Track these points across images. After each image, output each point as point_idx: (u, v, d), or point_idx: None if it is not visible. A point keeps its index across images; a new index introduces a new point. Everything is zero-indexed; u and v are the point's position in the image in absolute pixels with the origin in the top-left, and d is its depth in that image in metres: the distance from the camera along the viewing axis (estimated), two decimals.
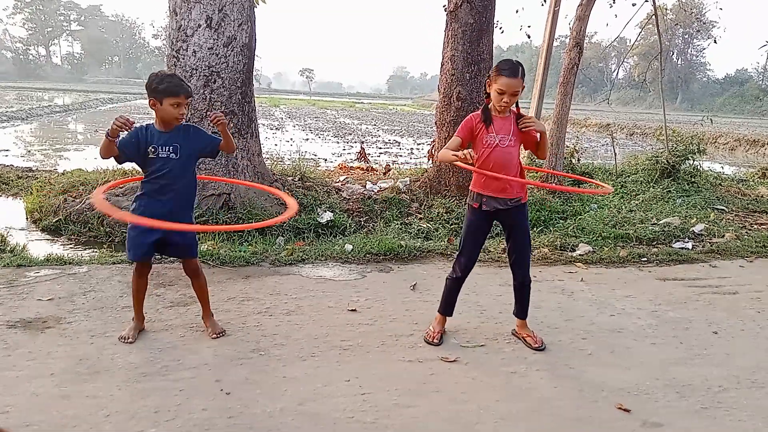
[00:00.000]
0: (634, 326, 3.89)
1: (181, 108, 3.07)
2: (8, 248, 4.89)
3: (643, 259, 5.46)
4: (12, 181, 8.02)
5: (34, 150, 13.09)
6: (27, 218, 6.26)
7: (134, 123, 2.97)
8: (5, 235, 5.25)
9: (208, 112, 5.83)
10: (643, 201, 7.65)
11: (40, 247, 5.28)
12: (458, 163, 3.05)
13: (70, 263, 4.55)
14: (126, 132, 2.97)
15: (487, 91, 3.20)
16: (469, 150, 2.99)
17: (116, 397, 2.68)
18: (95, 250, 5.29)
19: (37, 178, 8.04)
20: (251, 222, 5.51)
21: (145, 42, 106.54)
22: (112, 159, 3.14)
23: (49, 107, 25.75)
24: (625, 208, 7.26)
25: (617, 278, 4.93)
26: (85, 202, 6.07)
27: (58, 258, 4.59)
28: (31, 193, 6.90)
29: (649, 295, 4.53)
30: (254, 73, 6.62)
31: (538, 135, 3.28)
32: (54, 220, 5.95)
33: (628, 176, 9.09)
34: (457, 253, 3.49)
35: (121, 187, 6.13)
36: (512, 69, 3.07)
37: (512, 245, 3.44)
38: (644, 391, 3.02)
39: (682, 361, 3.40)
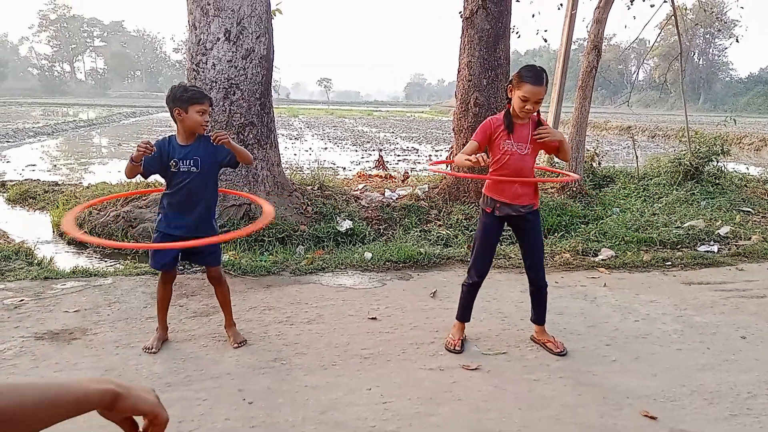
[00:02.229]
0: (659, 332, 3.82)
1: (205, 115, 3.14)
2: (36, 261, 5.00)
3: (667, 263, 5.38)
4: (39, 195, 8.19)
5: (60, 164, 13.38)
6: (53, 231, 6.40)
7: (153, 145, 3.04)
8: (33, 248, 5.38)
9: (228, 123, 5.92)
10: (666, 204, 7.53)
11: (66, 259, 5.39)
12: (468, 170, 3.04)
13: (95, 275, 4.63)
14: (144, 154, 3.03)
15: (509, 96, 3.19)
16: (482, 154, 2.98)
17: None
18: (119, 261, 5.38)
19: (63, 192, 8.21)
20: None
21: (166, 56, 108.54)
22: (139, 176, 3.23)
23: (73, 122, 26.31)
24: (648, 211, 7.16)
25: (641, 283, 4.86)
26: (109, 215, 6.18)
27: (84, 270, 4.69)
28: (57, 206, 7.05)
29: (674, 299, 4.45)
30: (273, 84, 6.70)
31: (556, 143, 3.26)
32: (80, 233, 6.06)
33: (651, 179, 8.94)
34: (471, 258, 3.48)
35: (144, 198, 6.24)
36: (536, 76, 3.04)
37: (525, 251, 3.44)
38: (671, 398, 2.97)
39: (709, 367, 3.33)
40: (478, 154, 2.97)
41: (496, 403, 2.87)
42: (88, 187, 8.53)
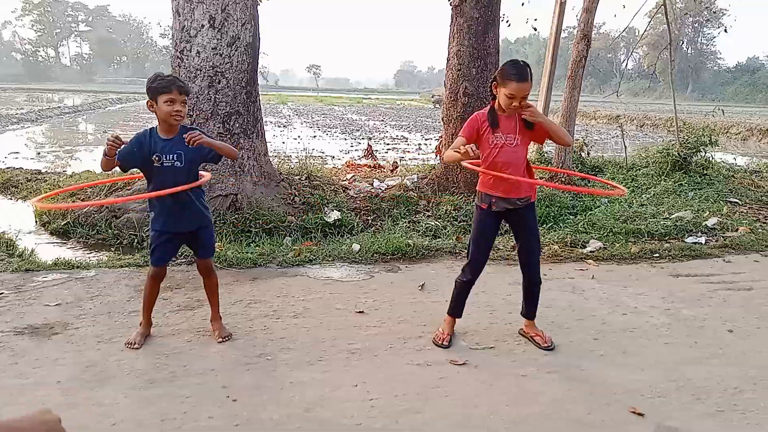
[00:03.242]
0: (647, 325, 3.82)
1: (175, 105, 3.01)
2: (17, 252, 4.90)
3: (655, 255, 5.38)
4: (21, 183, 8.03)
5: (45, 152, 13.15)
6: (36, 221, 6.27)
7: (120, 138, 2.94)
8: (14, 239, 5.27)
9: (213, 112, 5.82)
10: (654, 195, 7.55)
11: (48, 250, 5.28)
12: (465, 163, 3.00)
13: (77, 267, 4.55)
14: (115, 148, 2.93)
15: (494, 93, 3.13)
16: (472, 145, 2.93)
17: (123, 405, 2.66)
18: (103, 252, 5.28)
19: (46, 180, 8.07)
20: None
21: (152, 41, 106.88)
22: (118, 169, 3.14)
23: (58, 108, 25.89)
24: (637, 202, 7.17)
25: (629, 275, 4.86)
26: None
27: (66, 262, 4.60)
28: (40, 195, 6.92)
29: (662, 292, 4.45)
30: (261, 70, 6.59)
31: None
32: (62, 223, 5.95)
33: (639, 169, 8.96)
34: (467, 255, 3.44)
35: (128, 188, 6.13)
36: (520, 73, 2.97)
37: (522, 246, 3.39)
38: (658, 393, 2.96)
39: (696, 361, 3.33)
40: (467, 145, 2.92)
41: (483, 398, 2.85)
42: (71, 176, 8.40)
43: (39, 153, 12.86)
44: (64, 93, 43.49)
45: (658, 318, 3.95)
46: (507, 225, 3.51)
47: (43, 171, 9.27)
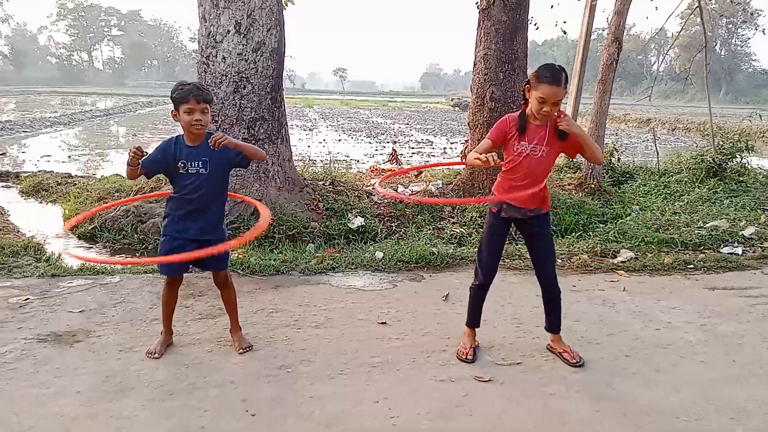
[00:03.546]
0: (681, 341, 3.66)
1: (194, 114, 2.98)
2: (44, 257, 4.95)
3: (689, 266, 5.19)
4: (51, 187, 8.18)
5: (76, 155, 13.40)
6: (64, 225, 6.35)
7: (142, 149, 2.91)
8: (43, 244, 5.33)
9: (239, 118, 5.82)
10: (688, 202, 7.31)
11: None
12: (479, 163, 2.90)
13: (102, 273, 4.57)
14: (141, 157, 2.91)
15: (526, 96, 3.03)
16: (493, 154, 2.84)
17: (140, 418, 2.63)
18: (129, 257, 5.31)
19: (76, 184, 8.19)
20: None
21: (182, 45, 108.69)
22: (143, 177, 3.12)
23: (90, 111, 26.45)
24: (669, 210, 6.94)
25: (662, 287, 4.68)
26: (119, 210, 6.12)
27: (92, 267, 4.62)
28: (69, 199, 7.03)
29: (697, 306, 4.27)
30: (288, 74, 6.58)
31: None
32: (90, 228, 6.01)
33: (672, 176, 8.70)
34: (477, 258, 3.35)
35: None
36: (554, 76, 2.84)
37: (534, 255, 3.32)
38: (694, 415, 2.81)
39: (735, 381, 3.17)
40: (488, 154, 2.83)
41: (509, 418, 2.74)
42: (100, 180, 8.50)
43: (70, 156, 13.11)
44: (96, 96, 44.48)
45: (693, 334, 3.78)
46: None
47: (73, 175, 9.41)
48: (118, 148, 14.95)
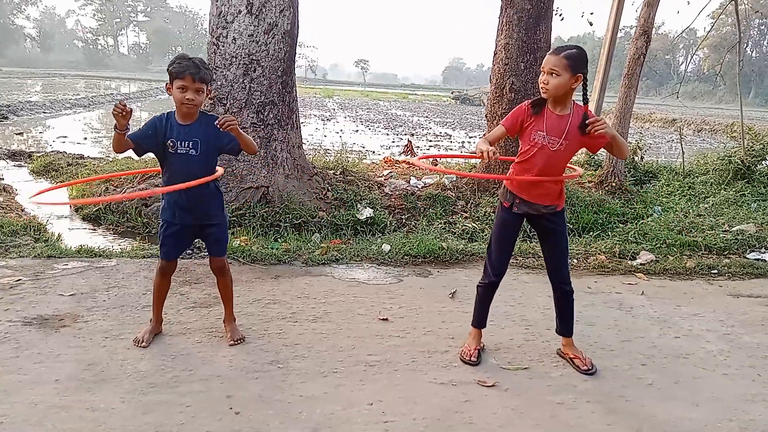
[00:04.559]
0: (702, 352, 3.41)
1: (187, 93, 2.79)
2: (44, 237, 4.84)
3: (713, 271, 4.91)
4: (62, 168, 8.10)
5: (92, 137, 13.39)
6: (70, 206, 6.26)
7: (127, 105, 2.69)
8: (44, 224, 5.23)
9: (248, 101, 5.64)
10: (713, 205, 6.98)
11: (77, 236, 5.22)
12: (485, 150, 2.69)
13: (99, 256, 4.44)
14: (125, 118, 2.70)
15: None
16: (492, 148, 2.64)
17: (117, 411, 2.47)
18: (131, 240, 5.19)
19: (86, 165, 8.11)
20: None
21: (206, 32, 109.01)
22: (132, 152, 2.95)
23: (111, 95, 26.57)
24: (693, 212, 6.63)
25: (683, 292, 4.42)
26: (125, 191, 6.01)
27: (89, 250, 4.50)
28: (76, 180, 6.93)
29: (720, 314, 4.01)
30: (310, 64, 6.39)
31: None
32: (94, 209, 5.91)
33: (697, 177, 8.35)
34: (486, 254, 3.14)
35: (159, 176, 6.03)
36: (557, 47, 2.76)
37: (547, 252, 3.10)
38: None
39: (761, 399, 2.92)
40: (487, 149, 2.63)
41: (512, 429, 2.53)
42: (110, 162, 8.42)
43: (86, 138, 13.10)
44: (120, 81, 44.83)
45: (715, 344, 3.53)
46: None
47: (84, 156, 9.35)
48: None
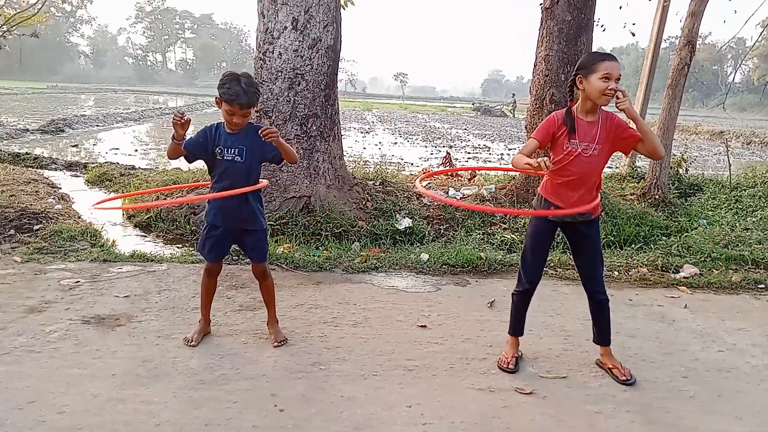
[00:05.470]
0: (746, 366, 3.35)
1: (235, 117, 3.00)
2: (99, 243, 5.11)
3: (760, 286, 4.79)
4: (115, 178, 8.49)
5: (142, 149, 13.94)
6: (123, 214, 6.56)
7: (185, 114, 2.92)
8: (100, 230, 5.50)
9: (292, 114, 5.83)
10: (761, 218, 6.78)
11: (129, 243, 5.48)
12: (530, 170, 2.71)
13: (151, 260, 4.66)
14: (183, 128, 2.91)
15: (579, 88, 2.86)
16: (545, 159, 2.61)
17: (170, 405, 2.61)
18: (179, 247, 5.41)
19: (137, 176, 8.48)
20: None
21: (250, 48, 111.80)
22: (183, 160, 3.14)
23: (160, 109, 27.56)
24: (740, 225, 6.46)
25: (728, 307, 4.33)
26: (174, 197, 6.26)
27: (141, 255, 4.73)
28: (130, 190, 7.26)
29: (766, 329, 3.92)
30: (350, 77, 6.56)
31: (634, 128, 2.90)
32: (146, 217, 6.18)
33: (744, 190, 8.12)
34: (521, 262, 3.17)
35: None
36: (609, 54, 2.82)
37: (580, 261, 3.11)
38: None
39: None
40: (540, 159, 2.59)
41: None
42: (161, 172, 8.77)
43: (136, 150, 13.64)
44: (167, 95, 46.42)
45: (760, 359, 3.46)
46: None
47: (135, 167, 9.76)
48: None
